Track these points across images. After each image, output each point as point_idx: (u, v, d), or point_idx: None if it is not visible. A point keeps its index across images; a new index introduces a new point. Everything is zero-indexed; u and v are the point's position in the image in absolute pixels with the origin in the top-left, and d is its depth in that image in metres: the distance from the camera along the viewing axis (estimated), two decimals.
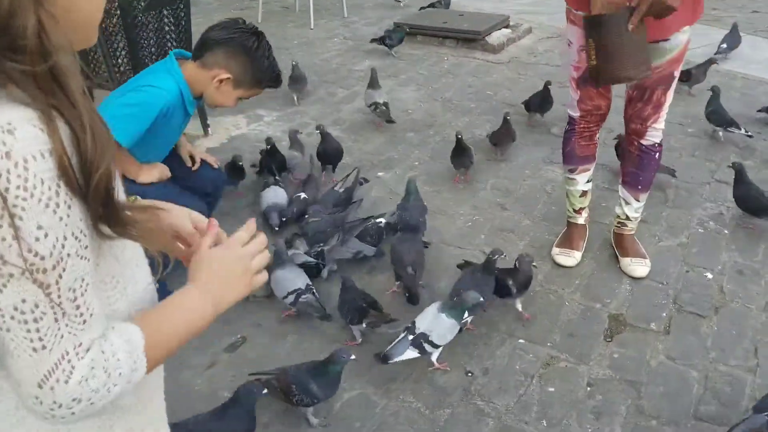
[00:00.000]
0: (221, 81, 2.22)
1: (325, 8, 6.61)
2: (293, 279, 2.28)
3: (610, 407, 2.01)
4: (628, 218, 2.66)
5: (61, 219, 0.62)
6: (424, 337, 2.04)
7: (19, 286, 0.61)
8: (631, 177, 2.58)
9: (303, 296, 2.24)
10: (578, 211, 2.74)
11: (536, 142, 3.80)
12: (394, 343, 2.06)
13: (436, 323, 2.06)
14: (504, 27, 5.70)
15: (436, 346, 2.06)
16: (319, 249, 2.57)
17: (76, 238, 0.64)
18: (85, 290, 0.66)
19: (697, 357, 2.20)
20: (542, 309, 2.42)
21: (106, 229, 0.68)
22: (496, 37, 5.42)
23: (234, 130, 3.95)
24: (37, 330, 0.63)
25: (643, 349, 2.23)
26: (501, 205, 3.15)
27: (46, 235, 0.61)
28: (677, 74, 2.34)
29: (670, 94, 2.37)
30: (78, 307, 0.66)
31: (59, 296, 0.64)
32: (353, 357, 1.89)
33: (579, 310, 2.43)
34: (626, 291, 2.52)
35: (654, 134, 2.46)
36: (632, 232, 2.70)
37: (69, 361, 0.66)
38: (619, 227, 2.71)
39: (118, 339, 0.71)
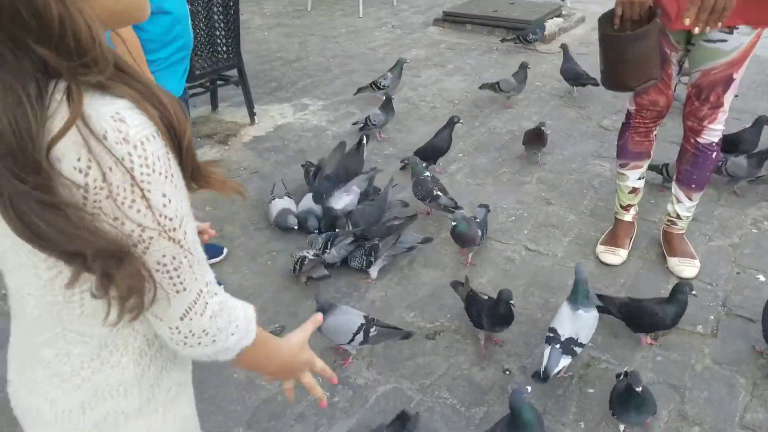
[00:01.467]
0: None
1: None
2: (349, 320, 2.09)
3: None
4: (678, 217, 2.58)
5: (176, 186, 0.72)
6: (573, 341, 1.99)
7: (158, 244, 0.72)
8: (685, 175, 2.51)
9: (371, 330, 2.09)
10: (626, 208, 2.67)
11: (584, 134, 3.72)
12: (546, 358, 1.97)
13: (578, 323, 2.01)
14: (556, 16, 5.59)
15: (583, 346, 2.03)
16: (371, 244, 2.54)
17: (186, 198, 0.75)
18: (198, 241, 0.78)
19: (746, 363, 2.12)
20: None
21: (194, 185, 0.78)
22: (548, 26, 5.32)
23: (280, 118, 3.98)
24: (178, 276, 0.75)
25: (688, 353, 2.17)
26: (546, 199, 3.09)
27: (170, 201, 0.71)
28: (737, 77, 2.24)
29: (730, 97, 2.29)
30: (200, 254, 0.78)
31: (188, 247, 0.75)
32: (529, 389, 1.75)
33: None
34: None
35: (711, 134, 2.38)
36: (682, 231, 2.62)
37: (203, 298, 0.79)
38: (668, 225, 2.63)
39: (238, 304, 0.86)
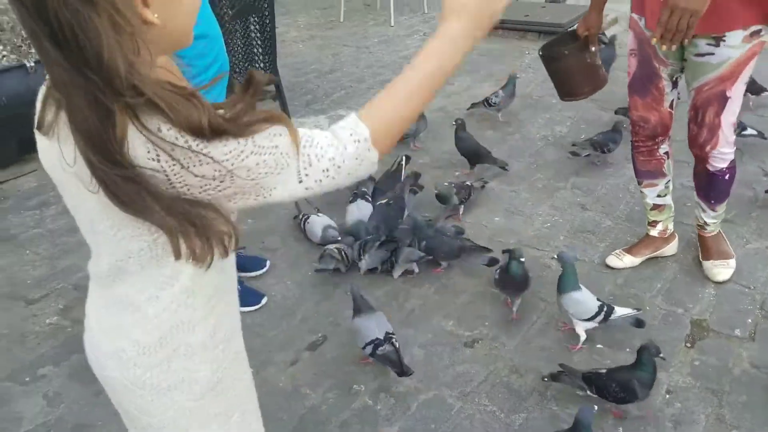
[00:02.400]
0: None
1: (405, 4, 6.66)
2: (372, 328, 2.16)
3: (689, 416, 1.98)
4: (705, 223, 2.56)
5: (232, 144, 0.83)
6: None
7: (239, 170, 0.83)
8: (703, 192, 2.48)
9: (380, 348, 2.11)
10: (651, 223, 2.64)
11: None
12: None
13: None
14: None
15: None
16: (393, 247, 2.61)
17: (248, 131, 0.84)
18: (272, 131, 0.86)
19: None
20: None
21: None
22: None
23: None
24: (275, 163, 0.86)
25: (726, 357, 2.18)
26: (581, 204, 3.11)
27: (228, 141, 0.82)
28: (732, 95, 2.16)
29: (727, 117, 2.21)
30: (280, 133, 0.86)
31: (264, 144, 0.85)
32: (596, 408, 1.83)
33: (660, 314, 2.39)
34: (710, 295, 2.46)
35: (718, 159, 2.32)
36: (714, 233, 2.59)
37: (304, 155, 0.89)
38: (700, 228, 2.61)
39: (331, 130, 0.94)
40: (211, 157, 0.81)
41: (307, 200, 3.02)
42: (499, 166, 3.36)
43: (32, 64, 3.49)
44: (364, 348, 2.14)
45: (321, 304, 2.53)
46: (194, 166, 0.81)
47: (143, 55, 0.79)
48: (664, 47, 1.90)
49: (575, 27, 2.46)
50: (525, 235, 2.90)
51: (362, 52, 5.46)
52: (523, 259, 2.33)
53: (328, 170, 0.91)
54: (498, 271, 2.40)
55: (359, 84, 4.78)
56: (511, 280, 2.34)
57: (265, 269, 2.72)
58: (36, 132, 0.89)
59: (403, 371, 2.08)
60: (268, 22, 3.59)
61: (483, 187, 3.16)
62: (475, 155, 3.37)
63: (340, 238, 2.80)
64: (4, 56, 3.90)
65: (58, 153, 0.84)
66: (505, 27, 5.56)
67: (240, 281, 2.53)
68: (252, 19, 3.57)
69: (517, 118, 4.03)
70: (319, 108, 4.40)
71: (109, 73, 0.76)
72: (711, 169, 2.34)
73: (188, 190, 0.83)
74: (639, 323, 2.22)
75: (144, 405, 1.01)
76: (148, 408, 1.01)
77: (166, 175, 0.81)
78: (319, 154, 0.90)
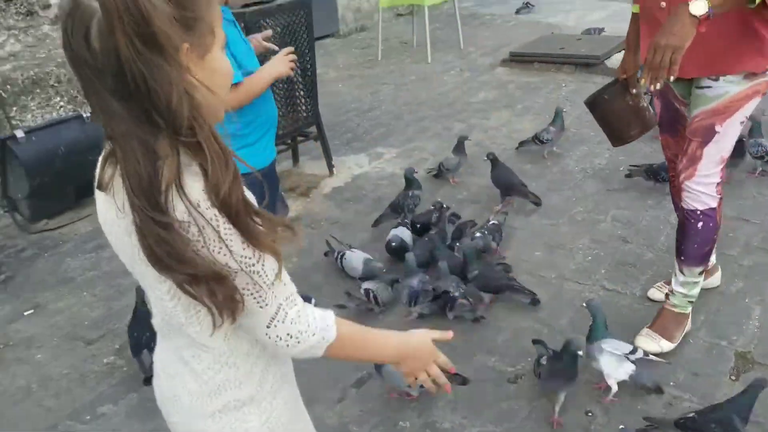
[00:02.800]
0: None
1: (442, 41, 6.79)
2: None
3: None
4: (672, 291, 2.37)
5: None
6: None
7: (242, 276, 0.93)
8: (677, 240, 2.33)
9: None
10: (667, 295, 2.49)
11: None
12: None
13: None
14: (623, 49, 5.61)
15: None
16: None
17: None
18: (280, 269, 0.98)
19: None
20: None
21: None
22: (617, 59, 5.35)
23: (357, 168, 4.17)
24: (260, 296, 0.96)
25: None
26: (622, 237, 3.13)
27: (248, 245, 0.92)
28: (721, 130, 2.09)
29: (711, 152, 2.12)
30: (277, 275, 0.97)
31: (266, 275, 0.95)
32: None
33: (704, 347, 2.38)
34: (755, 327, 2.45)
35: (691, 196, 2.19)
36: (674, 309, 2.37)
37: (283, 309, 0.99)
38: (666, 296, 2.43)
39: (316, 310, 1.05)
40: (230, 251, 0.91)
41: (335, 238, 3.12)
42: (532, 201, 3.41)
43: (88, 114, 3.69)
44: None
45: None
46: (215, 249, 0.90)
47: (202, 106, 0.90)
48: (652, 87, 1.86)
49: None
50: (566, 269, 2.92)
51: (400, 90, 5.58)
52: (581, 353, 2.08)
53: (290, 337, 1.00)
54: (545, 359, 2.19)
55: (398, 121, 4.89)
56: (561, 372, 2.10)
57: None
58: (96, 191, 0.98)
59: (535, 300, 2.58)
60: (309, 66, 3.73)
61: (504, 218, 3.22)
62: (506, 187, 3.44)
63: (384, 269, 2.87)
64: (61, 107, 4.13)
65: (113, 207, 0.93)
66: (541, 60, 5.63)
67: None
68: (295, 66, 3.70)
69: (554, 151, 4.07)
70: (360, 146, 4.51)
71: (175, 115, 0.86)
72: (685, 206, 2.22)
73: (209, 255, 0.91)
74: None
75: None
76: None
77: (196, 236, 0.89)
78: (294, 320, 1.00)
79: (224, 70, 0.98)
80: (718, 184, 2.18)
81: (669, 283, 2.55)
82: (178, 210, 0.87)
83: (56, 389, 2.46)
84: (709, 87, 2.08)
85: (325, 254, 3.11)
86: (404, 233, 3.07)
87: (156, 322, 1.10)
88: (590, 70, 5.33)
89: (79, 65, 0.86)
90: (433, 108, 5.07)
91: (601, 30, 6.30)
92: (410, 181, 3.43)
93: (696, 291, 2.35)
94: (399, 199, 3.35)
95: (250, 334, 1.02)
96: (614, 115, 2.35)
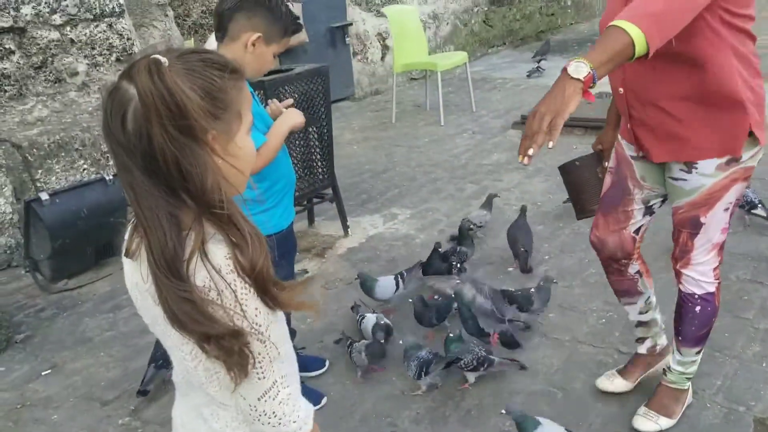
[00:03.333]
0: (254, 44, 2.11)
1: (455, 104, 6.94)
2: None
3: None
4: (669, 368, 2.29)
5: (262, 304, 0.99)
6: None
7: (252, 344, 0.98)
8: (676, 320, 2.22)
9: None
10: (639, 340, 2.48)
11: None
12: None
13: None
14: None
15: None
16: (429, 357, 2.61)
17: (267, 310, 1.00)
18: (282, 343, 1.04)
19: None
20: (683, 412, 2.37)
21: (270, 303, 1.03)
22: None
23: (371, 229, 4.23)
24: (261, 366, 1.01)
25: None
26: None
27: (260, 312, 0.98)
28: (706, 221, 2.00)
29: (702, 243, 2.04)
30: (279, 354, 1.03)
31: (271, 346, 1.01)
32: None
33: (721, 413, 2.36)
34: None
35: (690, 281, 2.11)
36: (672, 385, 2.30)
37: (277, 386, 1.03)
38: (663, 372, 2.34)
39: (303, 400, 1.10)
40: (244, 312, 0.97)
41: (362, 302, 3.14)
42: (519, 265, 3.49)
43: (111, 177, 3.80)
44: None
45: (380, 404, 2.59)
46: (231, 311, 0.96)
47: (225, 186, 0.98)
48: (525, 160, 1.59)
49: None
50: (579, 331, 2.92)
51: (413, 152, 5.69)
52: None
53: (275, 416, 1.04)
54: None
55: (411, 182, 4.97)
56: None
57: (324, 369, 2.81)
58: (123, 258, 1.06)
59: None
60: (326, 131, 3.84)
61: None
62: (511, 244, 3.55)
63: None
64: (85, 170, 4.25)
65: (138, 273, 1.01)
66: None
67: (300, 382, 2.61)
68: (311, 129, 3.82)
69: (566, 214, 4.10)
70: (374, 207, 4.58)
71: (208, 194, 0.94)
72: (683, 289, 2.14)
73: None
74: None
75: None
76: None
77: (215, 299, 0.95)
78: (284, 401, 1.05)
79: (248, 151, 1.05)
80: (715, 268, 2.10)
81: (622, 372, 2.49)
82: (200, 276, 0.94)
83: None
84: (684, 180, 1.99)
85: (352, 308, 3.15)
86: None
87: (177, 379, 1.17)
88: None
89: (113, 142, 0.95)
90: (446, 170, 5.16)
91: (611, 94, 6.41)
92: (463, 236, 3.55)
93: (694, 369, 2.27)
94: (449, 251, 3.45)
95: (238, 403, 1.05)
96: (583, 185, 2.30)
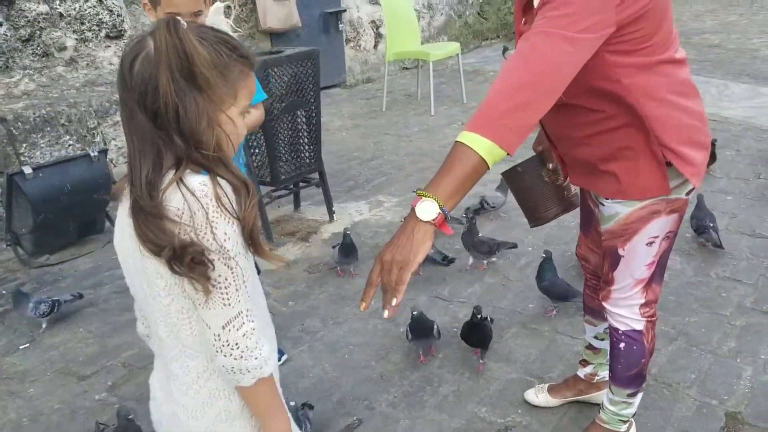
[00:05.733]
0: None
1: (446, 95, 6.94)
2: None
3: None
4: (602, 405, 2.12)
5: (235, 232, 1.05)
6: None
7: (217, 265, 1.04)
8: (610, 354, 2.05)
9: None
10: (582, 362, 2.39)
11: None
12: None
13: None
14: None
15: None
16: None
17: (241, 244, 1.07)
18: (248, 278, 1.08)
19: None
20: (654, 404, 2.40)
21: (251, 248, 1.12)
22: None
23: (357, 215, 4.23)
24: (227, 292, 1.05)
25: None
26: None
27: (229, 238, 1.04)
28: (626, 254, 1.81)
29: (621, 277, 1.85)
30: (245, 285, 1.08)
31: (238, 275, 1.06)
32: None
33: (694, 406, 2.38)
34: (746, 387, 2.45)
35: (611, 314, 1.94)
36: (604, 425, 2.12)
37: (242, 317, 1.07)
38: (598, 410, 2.18)
39: (267, 343, 1.13)
40: (214, 234, 1.03)
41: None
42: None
43: (96, 153, 3.77)
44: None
45: (358, 387, 2.60)
46: (201, 232, 1.03)
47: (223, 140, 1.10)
48: (386, 314, 1.36)
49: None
50: (559, 322, 2.94)
51: (403, 141, 5.69)
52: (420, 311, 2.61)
53: (237, 347, 1.08)
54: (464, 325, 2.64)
55: (399, 171, 4.97)
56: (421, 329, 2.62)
57: (281, 362, 2.70)
58: (119, 209, 1.15)
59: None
60: (314, 115, 3.82)
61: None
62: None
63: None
64: (70, 145, 4.22)
65: (124, 213, 1.09)
66: None
67: None
68: (300, 113, 3.80)
69: None
70: (360, 194, 4.57)
71: (196, 137, 1.05)
72: (610, 323, 1.98)
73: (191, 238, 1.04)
74: None
75: None
76: None
77: (179, 227, 1.04)
78: (248, 334, 1.08)
79: (229, 130, 1.12)
80: (642, 305, 1.89)
81: (551, 389, 2.41)
82: (175, 200, 1.03)
83: (47, 424, 2.46)
84: (602, 204, 1.82)
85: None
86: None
87: (153, 344, 1.23)
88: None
89: (120, 82, 1.07)
90: (434, 159, 5.15)
91: None
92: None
93: (628, 411, 2.07)
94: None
95: (205, 332, 1.10)
96: (528, 191, 2.08)
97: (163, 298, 1.09)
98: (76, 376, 2.73)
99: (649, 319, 1.92)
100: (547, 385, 2.46)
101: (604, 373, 2.29)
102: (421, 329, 2.65)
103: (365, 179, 4.85)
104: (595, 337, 2.27)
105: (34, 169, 3.58)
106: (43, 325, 3.00)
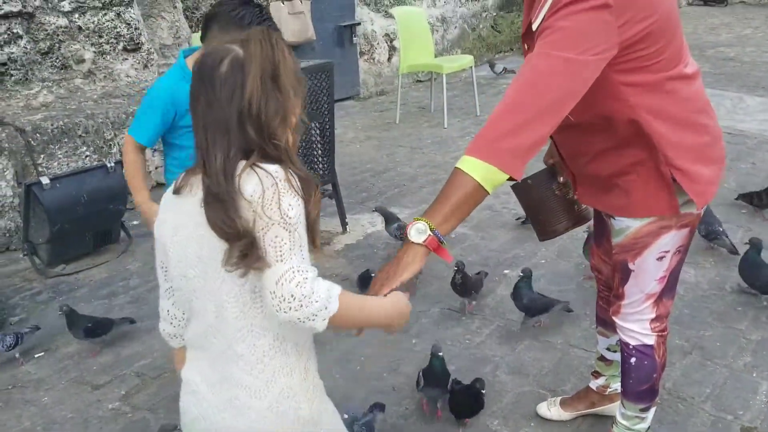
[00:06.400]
0: None
1: (459, 107, 6.95)
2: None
3: None
4: (615, 420, 2.10)
5: (299, 205, 1.15)
6: None
7: (276, 230, 1.12)
8: (621, 368, 2.04)
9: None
10: (594, 374, 2.37)
11: None
12: None
13: None
14: None
15: None
16: None
17: (303, 219, 1.16)
18: (304, 244, 1.16)
19: None
20: (669, 418, 2.38)
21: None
22: None
23: (369, 227, 4.24)
24: (281, 250, 1.12)
25: None
26: None
27: (292, 209, 1.13)
28: (636, 269, 1.80)
29: (632, 291, 1.84)
30: (302, 250, 1.15)
31: (296, 239, 1.14)
32: None
33: (709, 421, 2.36)
34: (762, 402, 2.43)
35: (624, 331, 1.92)
36: None
37: (293, 270, 1.12)
38: (612, 425, 2.15)
39: (324, 283, 1.16)
40: (280, 203, 1.13)
41: None
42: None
43: (112, 164, 3.81)
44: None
45: (369, 399, 2.59)
46: (268, 203, 1.12)
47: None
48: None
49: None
50: (572, 336, 2.92)
51: (416, 153, 5.70)
52: (441, 354, 2.38)
53: (293, 298, 1.12)
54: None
55: (412, 183, 4.98)
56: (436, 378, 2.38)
57: None
58: (166, 199, 1.28)
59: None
60: (328, 128, 3.85)
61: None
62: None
63: None
64: (87, 156, 4.27)
65: (188, 207, 1.20)
66: None
67: None
68: (314, 125, 3.83)
69: None
70: (373, 205, 4.57)
71: (271, 132, 1.18)
72: (620, 337, 1.97)
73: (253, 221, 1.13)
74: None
75: None
76: None
77: (252, 210, 1.13)
78: (301, 283, 1.12)
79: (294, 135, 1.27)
80: (653, 320, 1.88)
81: (564, 402, 2.40)
82: (250, 185, 1.13)
83: None
84: (612, 218, 1.81)
85: None
86: None
87: (196, 331, 1.27)
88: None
89: (201, 79, 1.19)
90: (447, 171, 5.09)
91: None
92: None
93: (641, 426, 2.04)
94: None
95: (264, 295, 1.15)
96: (539, 205, 2.04)
97: (236, 279, 1.15)
98: (90, 385, 2.75)
99: (660, 333, 1.90)
100: (559, 398, 2.44)
101: (617, 385, 2.26)
102: (437, 378, 2.40)
103: (378, 191, 4.86)
104: (608, 349, 2.25)
105: (51, 180, 3.62)
106: (17, 356, 2.89)
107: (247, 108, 1.16)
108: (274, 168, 1.15)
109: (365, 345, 2.92)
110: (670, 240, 1.75)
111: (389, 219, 3.78)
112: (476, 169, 1.41)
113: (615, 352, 2.21)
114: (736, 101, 6.67)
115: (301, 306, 1.11)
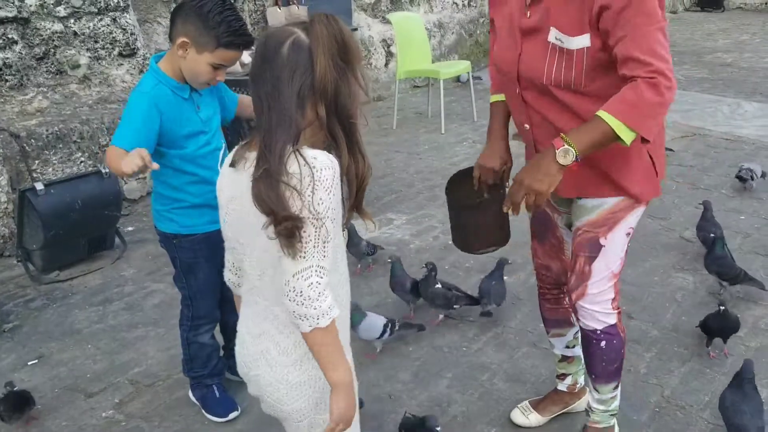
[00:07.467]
0: (184, 48, 2.08)
1: (456, 113, 6.94)
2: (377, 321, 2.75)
3: None
4: (590, 408, 2.17)
5: (331, 199, 1.21)
6: None
7: (305, 225, 1.19)
8: (585, 360, 2.13)
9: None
10: (560, 377, 2.39)
11: (665, 246, 3.75)
12: None
13: None
14: None
15: None
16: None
17: (335, 210, 1.23)
18: (329, 241, 1.23)
19: None
20: (667, 426, 2.36)
21: (353, 213, 1.36)
22: None
23: (366, 233, 4.21)
24: (305, 248, 1.21)
25: None
26: (627, 313, 3.11)
27: (322, 203, 1.20)
28: (606, 244, 1.88)
29: (600, 268, 1.92)
30: (325, 247, 1.22)
31: (322, 235, 1.21)
32: None
33: (708, 429, 2.34)
34: None
35: (588, 316, 1.98)
36: (599, 425, 2.17)
37: (311, 270, 1.21)
38: (586, 414, 2.22)
39: (330, 299, 1.24)
40: (312, 196, 1.19)
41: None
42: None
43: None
44: (380, 337, 2.74)
45: (366, 406, 2.57)
46: (303, 194, 1.19)
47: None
48: (514, 213, 1.77)
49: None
50: None
51: (413, 158, 5.68)
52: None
53: (301, 295, 1.21)
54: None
55: (409, 189, 4.96)
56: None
57: (227, 418, 2.51)
58: (224, 171, 1.37)
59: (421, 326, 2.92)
60: None
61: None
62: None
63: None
64: (82, 162, 4.25)
65: (241, 180, 1.26)
66: None
67: (220, 385, 2.56)
68: None
69: None
70: (370, 211, 4.54)
71: (347, 113, 1.25)
72: (583, 326, 2.02)
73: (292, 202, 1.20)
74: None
75: (281, 397, 1.38)
76: (284, 399, 1.38)
77: (295, 183, 1.20)
78: (313, 285, 1.21)
79: None
80: (613, 299, 1.98)
81: (534, 405, 2.41)
82: (292, 166, 1.19)
83: None
84: (579, 198, 1.91)
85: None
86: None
87: (246, 287, 1.41)
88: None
89: (263, 63, 1.24)
90: (444, 177, 5.08)
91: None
92: None
93: (616, 404, 2.15)
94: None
95: (280, 278, 1.24)
96: (479, 227, 1.99)
97: (276, 251, 1.23)
98: (84, 393, 2.72)
99: (618, 311, 2.02)
100: (527, 402, 2.44)
101: (581, 380, 2.38)
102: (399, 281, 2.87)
103: (375, 196, 4.84)
104: (567, 347, 2.31)
105: (45, 186, 3.59)
106: None
107: (319, 90, 1.22)
108: (321, 158, 1.21)
109: (362, 352, 2.90)
110: (636, 217, 1.91)
111: (354, 238, 3.63)
112: (622, 130, 1.58)
113: (574, 347, 2.28)
114: (733, 107, 6.68)
115: (303, 305, 1.21)
